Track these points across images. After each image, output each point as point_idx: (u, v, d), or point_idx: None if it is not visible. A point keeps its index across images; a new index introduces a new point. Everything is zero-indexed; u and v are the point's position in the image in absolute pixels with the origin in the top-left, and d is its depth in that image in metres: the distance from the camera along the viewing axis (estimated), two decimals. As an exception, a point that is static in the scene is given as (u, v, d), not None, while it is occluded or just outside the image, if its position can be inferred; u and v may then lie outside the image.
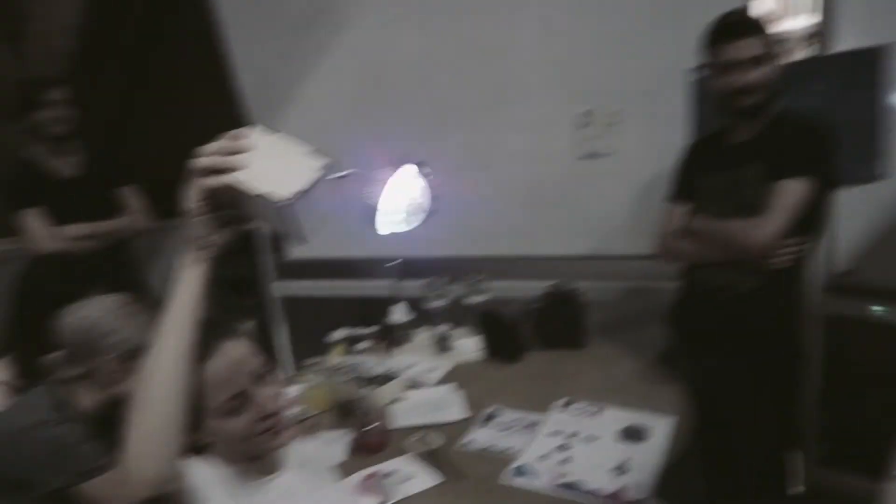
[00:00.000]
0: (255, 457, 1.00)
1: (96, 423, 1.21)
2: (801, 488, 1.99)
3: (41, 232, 2.24)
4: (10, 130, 2.46)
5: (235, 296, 2.99)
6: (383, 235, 1.67)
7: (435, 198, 1.73)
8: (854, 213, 1.97)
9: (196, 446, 0.96)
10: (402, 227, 1.70)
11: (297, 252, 2.97)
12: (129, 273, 2.47)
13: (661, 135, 2.07)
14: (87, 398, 1.23)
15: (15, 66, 2.87)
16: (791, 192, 1.53)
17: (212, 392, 0.94)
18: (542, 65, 2.30)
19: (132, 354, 1.13)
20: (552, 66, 2.28)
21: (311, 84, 2.71)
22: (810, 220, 1.59)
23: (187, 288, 0.79)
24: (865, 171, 1.85)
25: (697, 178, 1.73)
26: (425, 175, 1.71)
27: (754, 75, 1.54)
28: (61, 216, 2.28)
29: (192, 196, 0.76)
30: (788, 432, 1.77)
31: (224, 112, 2.76)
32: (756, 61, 1.53)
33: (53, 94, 2.28)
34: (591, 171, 2.30)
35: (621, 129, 2.22)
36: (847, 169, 1.66)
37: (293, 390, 1.69)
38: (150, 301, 1.17)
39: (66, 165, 2.36)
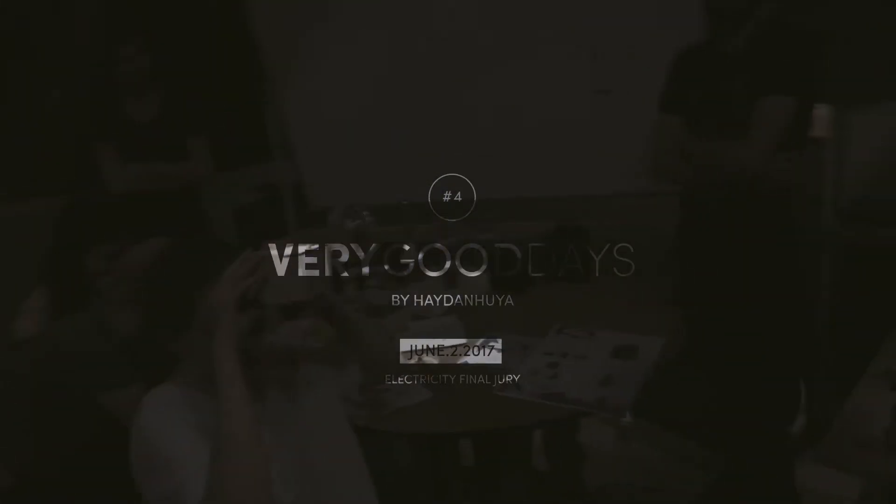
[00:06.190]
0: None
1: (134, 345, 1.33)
2: (802, 421, 2.00)
3: (112, 169, 2.31)
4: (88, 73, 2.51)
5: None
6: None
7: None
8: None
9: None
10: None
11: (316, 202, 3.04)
12: (187, 220, 2.45)
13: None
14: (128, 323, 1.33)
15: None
16: (780, 110, 1.48)
17: None
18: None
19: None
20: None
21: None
22: (795, 136, 1.53)
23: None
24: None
25: (687, 88, 1.66)
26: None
27: None
28: (132, 158, 2.31)
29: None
30: (792, 363, 1.74)
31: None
32: None
33: (133, 41, 2.30)
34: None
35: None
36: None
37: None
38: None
39: (141, 109, 2.39)
